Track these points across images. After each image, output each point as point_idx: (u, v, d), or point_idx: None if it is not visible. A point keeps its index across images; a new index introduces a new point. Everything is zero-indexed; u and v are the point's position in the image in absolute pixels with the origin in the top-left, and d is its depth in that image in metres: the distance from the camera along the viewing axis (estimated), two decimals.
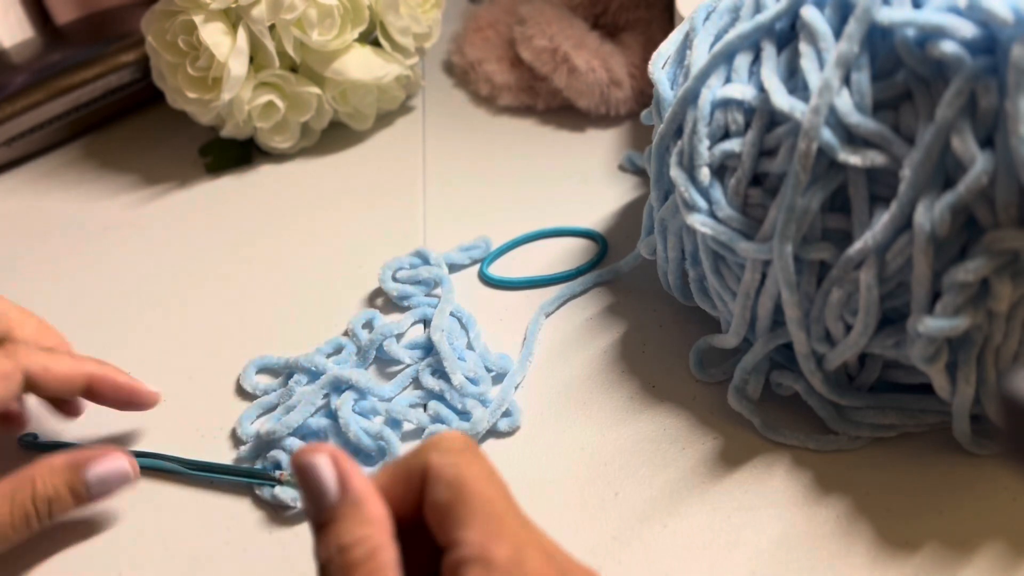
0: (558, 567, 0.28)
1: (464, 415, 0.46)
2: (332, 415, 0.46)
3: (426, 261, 0.54)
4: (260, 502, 0.43)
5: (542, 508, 0.42)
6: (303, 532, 0.42)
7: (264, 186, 0.63)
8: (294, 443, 0.45)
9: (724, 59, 0.42)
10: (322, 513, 0.29)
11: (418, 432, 0.46)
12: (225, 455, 0.46)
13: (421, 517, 0.30)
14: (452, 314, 0.51)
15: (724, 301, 0.45)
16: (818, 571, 0.40)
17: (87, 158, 0.67)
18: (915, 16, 0.37)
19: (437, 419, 0.46)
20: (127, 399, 0.44)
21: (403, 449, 0.45)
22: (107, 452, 0.41)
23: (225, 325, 0.53)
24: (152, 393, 0.45)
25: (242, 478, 0.43)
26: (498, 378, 0.48)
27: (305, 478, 0.29)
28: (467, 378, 0.47)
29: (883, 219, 0.38)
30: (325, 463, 0.29)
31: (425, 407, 0.47)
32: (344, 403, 0.45)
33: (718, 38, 0.44)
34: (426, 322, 0.51)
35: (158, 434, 0.47)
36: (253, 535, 0.42)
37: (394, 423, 0.46)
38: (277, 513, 0.43)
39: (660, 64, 0.47)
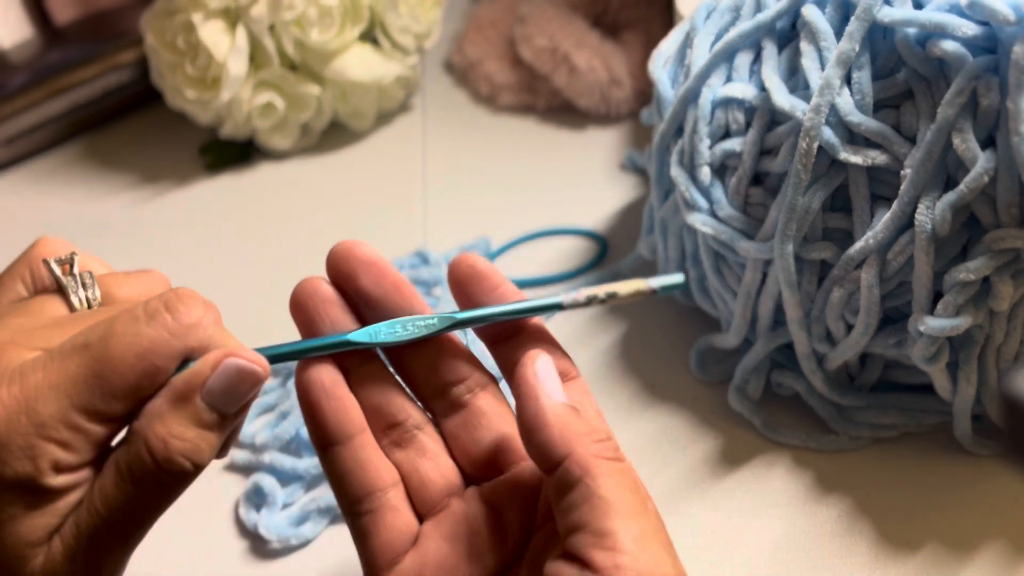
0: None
1: None
2: None
3: (426, 261, 0.54)
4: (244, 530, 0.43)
5: None
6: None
7: (263, 186, 0.63)
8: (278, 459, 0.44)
9: (725, 58, 0.42)
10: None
11: None
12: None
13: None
14: None
15: (725, 301, 0.45)
16: (819, 571, 0.39)
17: (86, 157, 0.67)
18: (916, 15, 0.37)
19: None
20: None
21: None
22: (211, 358, 0.29)
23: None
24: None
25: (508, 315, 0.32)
26: None
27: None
28: None
29: (884, 218, 0.38)
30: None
31: None
32: None
33: (719, 37, 0.44)
34: None
35: None
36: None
37: None
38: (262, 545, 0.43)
39: (661, 63, 0.47)
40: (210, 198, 0.62)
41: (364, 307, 0.33)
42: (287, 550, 0.42)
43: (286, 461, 0.44)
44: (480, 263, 0.32)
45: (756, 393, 0.45)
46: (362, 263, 0.32)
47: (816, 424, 0.45)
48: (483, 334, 0.33)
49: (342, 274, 0.33)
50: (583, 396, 0.33)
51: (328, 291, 0.33)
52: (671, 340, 0.49)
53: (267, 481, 0.43)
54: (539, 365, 0.30)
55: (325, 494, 0.43)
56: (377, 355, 0.33)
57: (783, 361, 0.45)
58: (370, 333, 0.32)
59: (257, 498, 0.43)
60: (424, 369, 0.33)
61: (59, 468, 0.27)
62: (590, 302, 0.32)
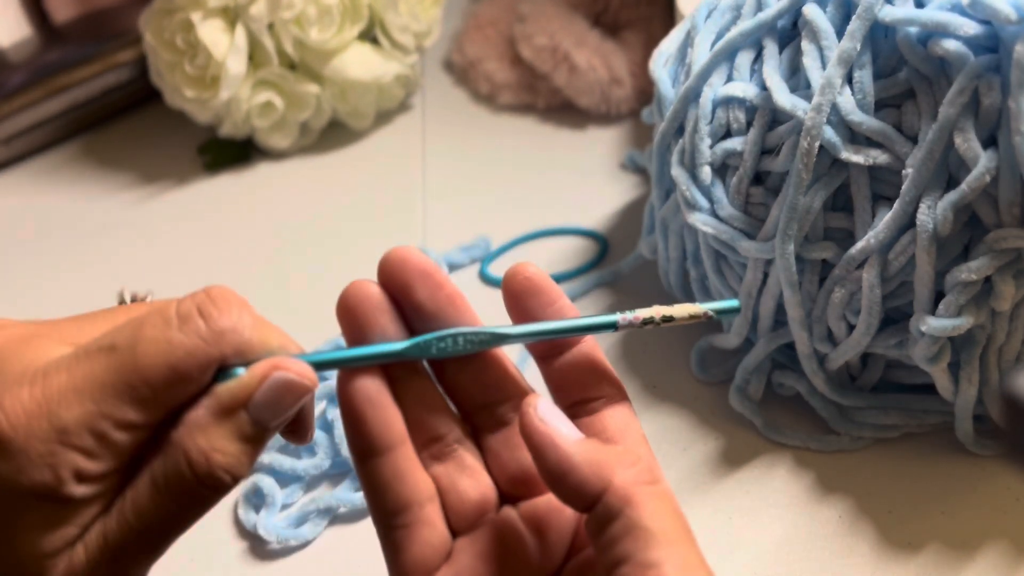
0: None
1: None
2: (327, 426, 0.45)
3: None
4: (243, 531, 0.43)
5: None
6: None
7: (262, 185, 0.63)
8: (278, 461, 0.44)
9: (726, 57, 0.42)
10: None
11: None
12: None
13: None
14: None
15: None
16: (821, 571, 0.39)
17: (85, 157, 0.66)
18: (918, 14, 0.37)
19: None
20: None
21: None
22: (258, 370, 0.28)
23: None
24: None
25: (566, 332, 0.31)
26: None
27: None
28: None
29: (885, 218, 0.38)
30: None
31: None
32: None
33: (719, 36, 0.44)
34: None
35: None
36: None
37: None
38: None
39: (661, 62, 0.46)
40: (209, 197, 0.62)
41: (415, 317, 0.31)
42: (286, 551, 0.42)
43: (285, 462, 0.44)
44: (537, 276, 0.31)
45: (757, 393, 0.45)
46: (418, 273, 0.31)
47: (817, 424, 0.44)
48: (533, 348, 0.32)
49: (396, 283, 0.31)
50: (629, 420, 0.31)
51: (379, 297, 0.31)
52: (671, 340, 0.49)
53: (266, 482, 0.43)
54: (541, 409, 0.29)
55: (324, 495, 0.43)
56: (422, 365, 0.31)
57: (784, 361, 0.45)
58: (421, 347, 0.30)
59: (256, 499, 0.43)
60: (469, 383, 0.32)
61: (82, 477, 0.26)
62: (645, 324, 0.31)
